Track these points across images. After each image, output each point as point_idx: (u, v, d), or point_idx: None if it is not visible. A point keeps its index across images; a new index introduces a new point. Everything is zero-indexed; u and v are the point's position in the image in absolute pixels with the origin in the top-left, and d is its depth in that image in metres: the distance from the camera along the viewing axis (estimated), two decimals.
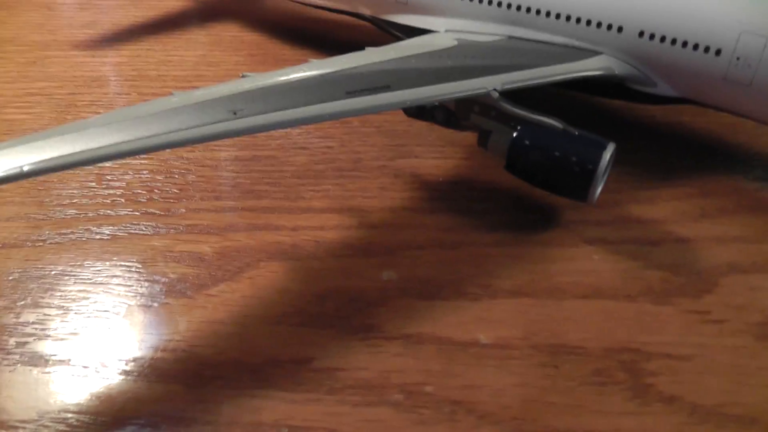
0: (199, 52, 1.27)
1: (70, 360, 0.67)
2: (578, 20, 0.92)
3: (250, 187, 0.91)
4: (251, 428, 0.61)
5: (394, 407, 0.63)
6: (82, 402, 0.63)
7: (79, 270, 0.77)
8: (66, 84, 1.15)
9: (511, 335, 0.71)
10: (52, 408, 0.62)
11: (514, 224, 0.85)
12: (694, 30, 0.85)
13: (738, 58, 0.84)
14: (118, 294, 0.74)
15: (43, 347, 0.68)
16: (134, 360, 0.67)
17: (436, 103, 0.84)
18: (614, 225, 0.85)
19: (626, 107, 1.04)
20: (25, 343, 0.69)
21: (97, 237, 0.82)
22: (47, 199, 0.87)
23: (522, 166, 0.81)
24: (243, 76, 0.75)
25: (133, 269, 0.78)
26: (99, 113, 0.68)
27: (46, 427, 0.61)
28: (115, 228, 0.83)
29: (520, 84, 0.81)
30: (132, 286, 0.75)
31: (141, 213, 0.86)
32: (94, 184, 0.90)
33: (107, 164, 0.93)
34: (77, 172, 0.91)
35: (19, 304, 0.73)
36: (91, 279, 0.76)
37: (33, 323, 0.71)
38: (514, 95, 0.81)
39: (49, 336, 0.69)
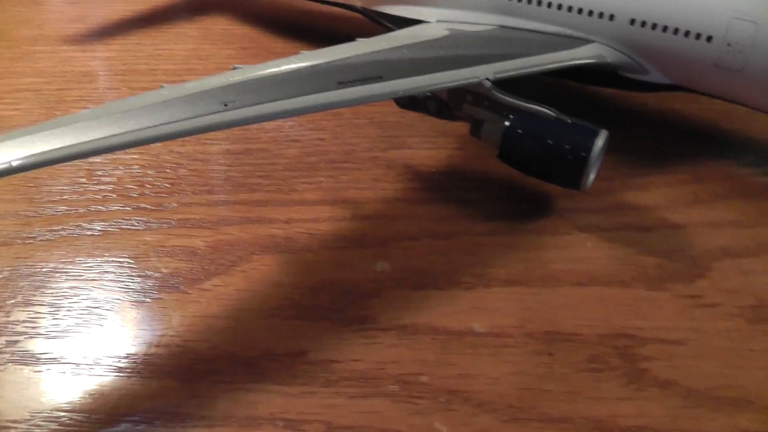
0: (190, 45, 1.26)
1: (62, 358, 0.67)
2: (570, 9, 0.91)
3: (242, 180, 0.90)
4: (247, 422, 0.61)
5: (390, 398, 0.63)
6: (74, 400, 0.63)
7: (70, 267, 0.77)
8: (55, 79, 1.15)
9: (506, 323, 0.71)
10: (45, 407, 0.62)
11: (508, 213, 0.85)
12: (685, 17, 0.85)
13: (729, 45, 0.84)
14: (111, 290, 0.74)
15: (35, 345, 0.68)
16: (127, 356, 0.67)
17: (429, 94, 0.84)
18: (608, 212, 0.85)
19: (619, 95, 1.03)
20: (16, 341, 0.68)
21: (89, 233, 0.81)
22: (37, 196, 0.87)
23: (515, 155, 0.81)
24: (234, 68, 0.74)
25: (125, 265, 0.77)
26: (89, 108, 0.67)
27: (39, 426, 0.61)
28: (107, 224, 0.83)
29: (512, 73, 0.81)
30: (124, 281, 0.75)
31: (132, 208, 0.85)
32: (84, 179, 0.90)
33: (97, 159, 0.92)
34: (67, 167, 0.90)
35: (9, 302, 0.72)
36: (82, 275, 0.76)
37: (24, 321, 0.70)
38: (506, 84, 0.80)
39: (40, 334, 0.69)
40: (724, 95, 0.90)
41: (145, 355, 0.67)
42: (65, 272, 0.76)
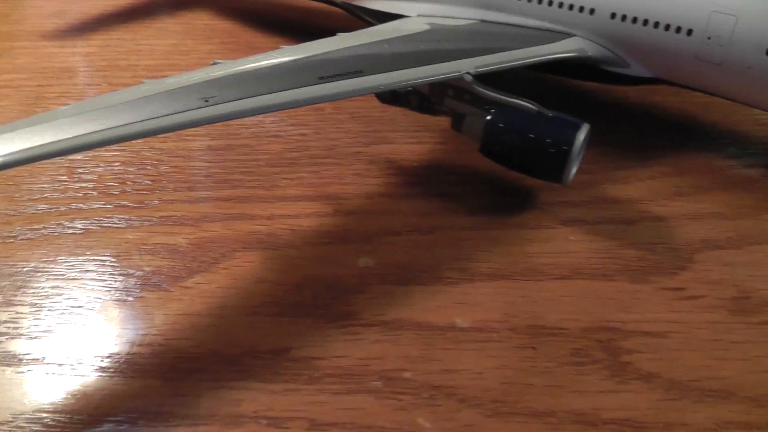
0: (171, 40, 1.26)
1: (44, 358, 0.66)
2: (550, 3, 0.92)
3: (224, 176, 0.90)
4: (230, 420, 0.61)
5: (374, 394, 0.63)
6: (57, 401, 0.62)
7: (51, 266, 0.76)
8: (34, 75, 1.14)
9: (490, 318, 0.71)
10: (27, 408, 0.62)
11: (491, 207, 0.85)
12: (665, 10, 0.86)
13: (709, 38, 0.84)
14: (93, 289, 0.74)
15: (16, 346, 0.67)
16: (110, 356, 0.66)
17: (410, 88, 0.83)
18: (590, 205, 0.85)
19: (601, 89, 1.04)
20: None
21: (70, 231, 0.81)
22: (17, 194, 0.86)
23: (497, 148, 0.81)
24: (214, 63, 0.74)
25: (107, 263, 0.77)
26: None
27: (21, 428, 0.60)
28: (88, 222, 0.82)
29: (493, 67, 0.81)
30: (106, 280, 0.75)
31: (114, 206, 0.85)
32: (65, 177, 0.89)
33: (78, 156, 0.92)
34: (47, 165, 0.90)
35: None
36: (64, 275, 0.75)
37: (5, 322, 0.70)
38: (488, 78, 0.80)
39: (22, 335, 0.68)
40: (705, 88, 0.91)
41: (127, 354, 0.67)
42: (47, 271, 0.76)
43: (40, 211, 0.84)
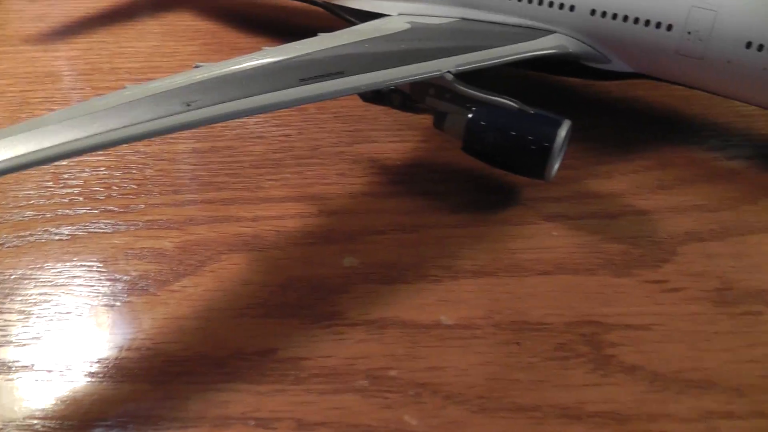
0: (153, 42, 1.26)
1: (33, 365, 0.66)
2: (530, 0, 0.92)
3: (209, 179, 0.90)
4: (219, 422, 0.61)
5: (360, 393, 0.64)
6: (47, 407, 0.63)
7: (39, 273, 0.77)
8: (18, 81, 1.13)
9: (474, 315, 0.71)
10: (17, 415, 0.62)
11: (474, 204, 0.85)
12: (645, 6, 0.86)
13: (689, 33, 0.85)
14: (80, 295, 0.74)
15: (5, 354, 0.68)
16: (99, 361, 0.67)
17: (392, 87, 0.84)
18: (573, 201, 0.86)
19: (583, 84, 1.04)
20: None
21: (57, 238, 0.81)
22: (3, 202, 0.86)
23: (479, 146, 0.82)
24: (196, 67, 0.74)
25: (94, 269, 0.77)
26: (53, 110, 0.67)
27: None
28: (75, 227, 0.82)
29: (473, 65, 0.81)
30: (94, 286, 0.75)
31: (100, 211, 0.85)
32: (51, 183, 0.89)
33: (64, 162, 0.92)
34: (33, 171, 0.90)
35: None
36: (51, 281, 0.76)
37: None
38: (469, 76, 0.81)
39: (11, 342, 0.69)
40: (686, 82, 0.92)
41: (116, 359, 0.67)
42: (34, 278, 0.76)
43: (26, 218, 0.84)
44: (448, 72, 0.79)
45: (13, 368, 0.66)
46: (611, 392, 0.64)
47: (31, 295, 0.74)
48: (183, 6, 1.38)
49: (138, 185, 0.89)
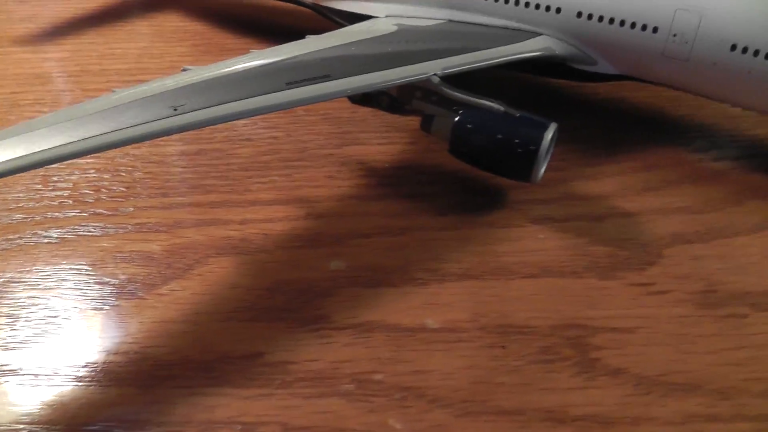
0: (142, 44, 1.25)
1: (20, 369, 0.67)
2: (517, 2, 0.92)
3: (197, 181, 0.90)
4: (205, 426, 0.62)
5: (346, 397, 0.64)
6: (34, 412, 0.63)
7: (27, 276, 0.77)
8: (7, 82, 1.13)
9: (460, 318, 0.72)
10: (4, 420, 0.62)
11: (461, 207, 0.86)
12: (631, 9, 0.87)
13: (675, 35, 0.85)
14: (69, 298, 0.74)
15: None
16: (86, 365, 0.67)
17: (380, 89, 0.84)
18: (560, 203, 0.86)
19: (570, 86, 1.04)
20: None
21: (45, 241, 0.81)
22: None
23: (465, 149, 0.82)
24: (184, 70, 0.74)
25: (83, 272, 0.77)
26: (43, 112, 0.67)
27: None
28: (64, 230, 0.83)
29: (460, 68, 0.81)
30: (82, 289, 0.75)
31: (89, 214, 0.85)
32: (40, 186, 0.89)
33: (53, 165, 0.91)
34: (23, 174, 0.88)
35: None
36: (40, 284, 0.76)
37: None
38: (457, 78, 0.81)
39: None
40: (672, 83, 0.92)
41: (103, 363, 0.67)
42: (22, 282, 0.76)
43: (15, 221, 0.84)
44: (435, 75, 0.79)
45: (1, 372, 0.66)
46: (596, 395, 0.65)
47: (19, 298, 0.74)
48: (172, 7, 1.38)
49: (127, 188, 0.89)
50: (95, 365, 0.67)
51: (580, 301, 0.74)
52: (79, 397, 0.64)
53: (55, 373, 0.66)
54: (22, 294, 0.75)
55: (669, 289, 0.75)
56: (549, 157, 0.81)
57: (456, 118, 0.80)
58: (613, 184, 0.89)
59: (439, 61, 0.81)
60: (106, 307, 0.73)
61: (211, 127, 0.94)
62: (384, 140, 0.97)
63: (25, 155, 0.59)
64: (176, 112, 0.66)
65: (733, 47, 0.83)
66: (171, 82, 0.71)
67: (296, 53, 0.80)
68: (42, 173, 0.91)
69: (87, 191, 0.89)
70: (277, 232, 0.82)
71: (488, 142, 0.79)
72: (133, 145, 0.94)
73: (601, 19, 0.88)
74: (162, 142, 0.96)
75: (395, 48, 0.86)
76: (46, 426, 0.62)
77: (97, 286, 0.75)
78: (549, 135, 0.78)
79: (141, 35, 1.28)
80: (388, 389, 0.65)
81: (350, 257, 0.79)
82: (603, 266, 0.78)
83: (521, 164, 0.79)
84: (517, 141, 0.78)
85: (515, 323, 0.71)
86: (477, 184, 0.88)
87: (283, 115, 1.01)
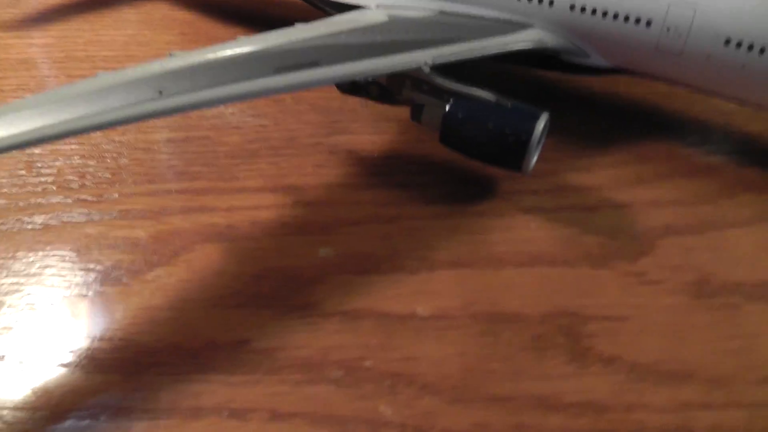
0: (129, 31, 1.24)
1: (4, 356, 0.66)
2: None
3: (183, 168, 0.89)
4: (191, 413, 0.61)
5: (335, 384, 0.64)
6: (17, 398, 0.62)
7: (11, 262, 0.75)
8: None
9: (450, 306, 0.71)
10: None
11: (452, 196, 0.85)
12: (624, 2, 0.86)
13: (668, 29, 0.85)
14: (53, 285, 0.73)
15: None
16: (71, 352, 0.66)
17: (370, 79, 0.83)
18: (551, 193, 0.86)
19: (564, 78, 1.04)
20: None
21: (29, 227, 0.80)
22: None
23: (456, 139, 0.81)
24: (171, 55, 0.73)
25: (67, 258, 0.76)
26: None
27: None
28: (48, 217, 0.81)
29: (450, 58, 0.81)
30: (66, 276, 0.74)
31: (73, 200, 0.84)
32: (23, 171, 0.88)
33: (37, 150, 0.90)
34: (5, 159, 0.88)
35: None
36: (23, 271, 0.74)
37: None
38: (449, 68, 0.80)
39: None
40: (666, 77, 0.91)
41: (88, 349, 0.66)
42: (6, 268, 0.75)
43: None
44: (426, 64, 0.78)
45: None
46: (589, 383, 0.64)
47: (2, 284, 0.73)
48: None
49: (112, 174, 0.88)
50: (80, 352, 0.66)
51: (572, 290, 0.73)
52: (63, 384, 0.63)
53: (40, 360, 0.65)
54: (5, 280, 0.73)
55: (661, 279, 0.75)
56: (540, 147, 0.80)
57: (446, 108, 0.79)
58: (606, 176, 0.89)
59: (430, 50, 0.80)
60: (91, 294, 0.72)
61: (199, 114, 0.95)
62: (374, 130, 0.96)
63: (7, 136, 0.58)
64: (161, 96, 0.65)
65: (727, 41, 0.83)
66: (157, 66, 0.70)
67: (285, 40, 0.79)
68: (26, 159, 0.90)
69: (71, 177, 0.87)
70: (264, 220, 0.81)
71: (479, 131, 0.79)
72: (119, 132, 0.94)
73: (594, 11, 0.87)
74: (148, 129, 0.95)
75: (386, 37, 0.85)
76: (30, 411, 0.61)
77: (82, 273, 0.74)
78: (540, 125, 0.77)
79: (128, 23, 1.27)
80: (378, 376, 0.64)
81: (339, 245, 0.78)
82: (595, 256, 0.77)
83: (513, 154, 0.78)
84: (508, 131, 0.77)
85: (506, 311, 0.71)
86: (467, 174, 0.87)
87: (272, 104, 1.00)
